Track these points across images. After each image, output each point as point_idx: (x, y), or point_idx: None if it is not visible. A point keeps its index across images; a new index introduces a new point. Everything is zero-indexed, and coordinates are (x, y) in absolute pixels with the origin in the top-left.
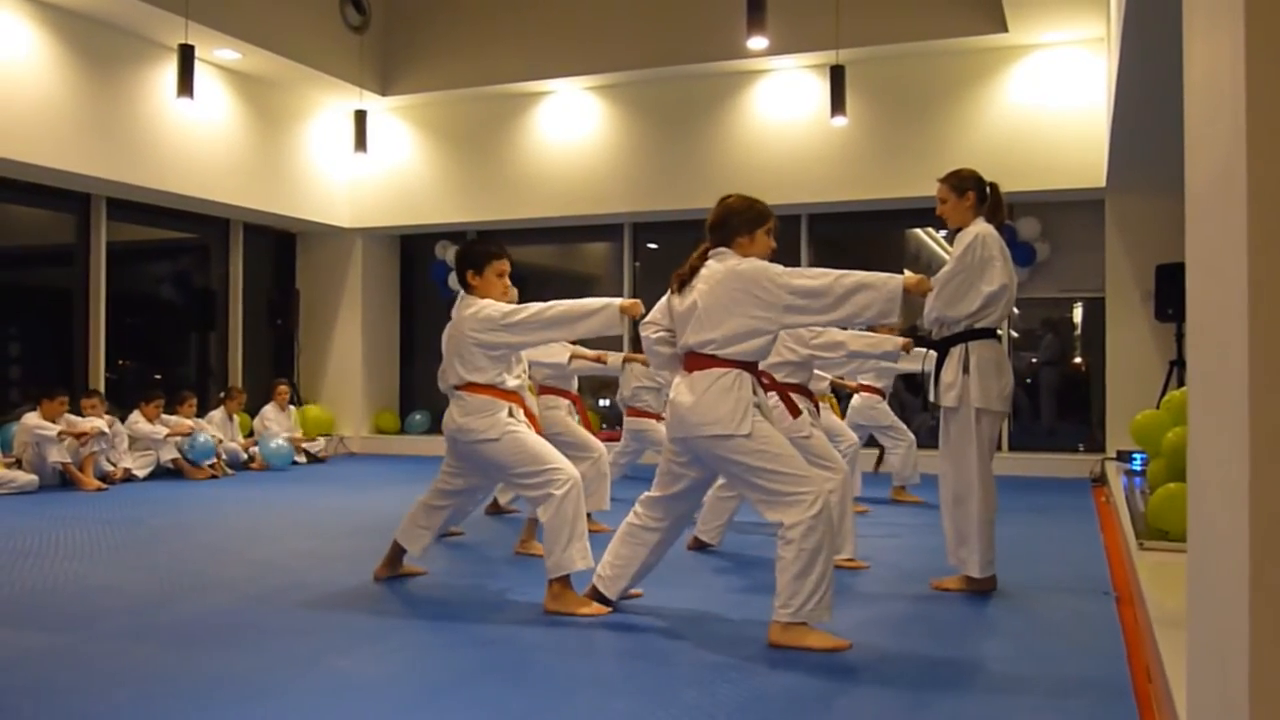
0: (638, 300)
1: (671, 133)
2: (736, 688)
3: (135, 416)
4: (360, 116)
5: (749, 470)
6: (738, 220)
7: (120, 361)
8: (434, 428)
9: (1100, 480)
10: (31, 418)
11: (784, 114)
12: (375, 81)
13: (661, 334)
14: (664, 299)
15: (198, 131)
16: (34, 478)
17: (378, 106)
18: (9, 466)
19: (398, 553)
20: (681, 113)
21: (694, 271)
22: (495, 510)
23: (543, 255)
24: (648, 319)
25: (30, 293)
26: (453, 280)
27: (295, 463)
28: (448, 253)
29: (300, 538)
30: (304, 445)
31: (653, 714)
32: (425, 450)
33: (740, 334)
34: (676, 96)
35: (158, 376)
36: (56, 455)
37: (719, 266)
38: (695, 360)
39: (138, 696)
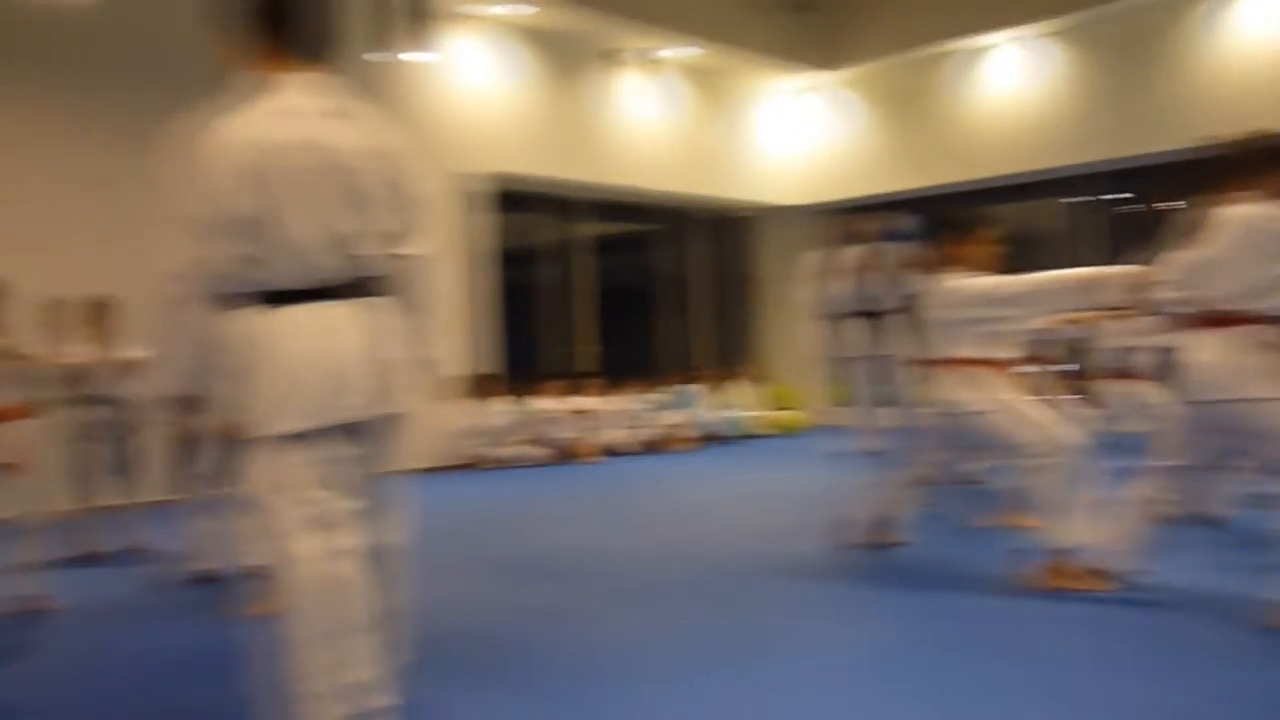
0: (1151, 267)
1: (1125, 72)
2: (1257, 675)
3: (620, 396)
4: (802, 96)
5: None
6: (1261, 158)
7: (603, 347)
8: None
9: None
10: (537, 400)
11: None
12: (818, 58)
13: (1175, 292)
14: (1168, 253)
15: (656, 128)
16: (544, 452)
17: (820, 83)
18: (521, 444)
19: (874, 522)
20: (1137, 50)
21: (1204, 219)
22: (957, 481)
23: (998, 216)
24: (1158, 278)
25: (524, 289)
26: (908, 250)
27: (760, 436)
28: (900, 222)
29: (772, 509)
30: (768, 419)
31: (1168, 699)
32: (890, 424)
33: (1261, 287)
34: (1127, 33)
35: (646, 356)
36: (561, 432)
37: (1243, 211)
38: (1215, 318)
39: (634, 650)
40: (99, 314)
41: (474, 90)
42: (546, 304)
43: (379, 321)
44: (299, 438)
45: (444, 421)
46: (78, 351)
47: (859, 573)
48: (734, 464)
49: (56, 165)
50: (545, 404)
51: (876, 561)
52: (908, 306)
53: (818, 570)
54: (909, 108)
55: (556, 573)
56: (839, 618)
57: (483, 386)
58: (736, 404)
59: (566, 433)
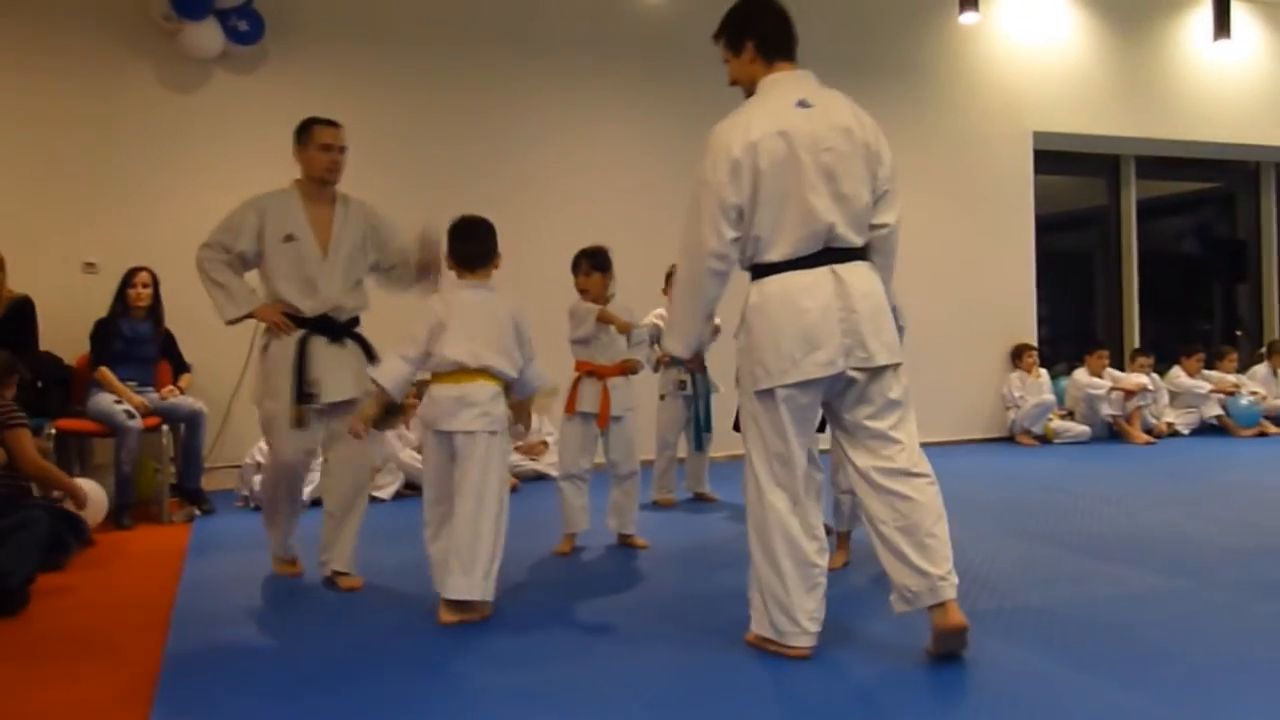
0: None
1: None
2: None
3: (1176, 371)
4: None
5: None
6: None
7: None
8: None
9: None
10: (1081, 374)
11: None
12: None
13: None
14: None
15: (1227, 75)
16: (1086, 429)
17: None
18: (1062, 418)
19: None
20: None
21: None
22: None
23: None
24: None
25: (1060, 256)
26: None
27: None
28: None
29: None
30: None
31: None
32: None
33: None
34: None
35: (1206, 327)
36: (1106, 409)
37: None
38: None
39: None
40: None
41: (1024, 47)
42: (1087, 270)
43: (857, 286)
44: (784, 391)
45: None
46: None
47: None
48: None
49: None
50: (1088, 379)
51: None
52: None
53: None
54: None
55: (1127, 555)
56: None
57: (1020, 358)
58: None
59: (1111, 410)
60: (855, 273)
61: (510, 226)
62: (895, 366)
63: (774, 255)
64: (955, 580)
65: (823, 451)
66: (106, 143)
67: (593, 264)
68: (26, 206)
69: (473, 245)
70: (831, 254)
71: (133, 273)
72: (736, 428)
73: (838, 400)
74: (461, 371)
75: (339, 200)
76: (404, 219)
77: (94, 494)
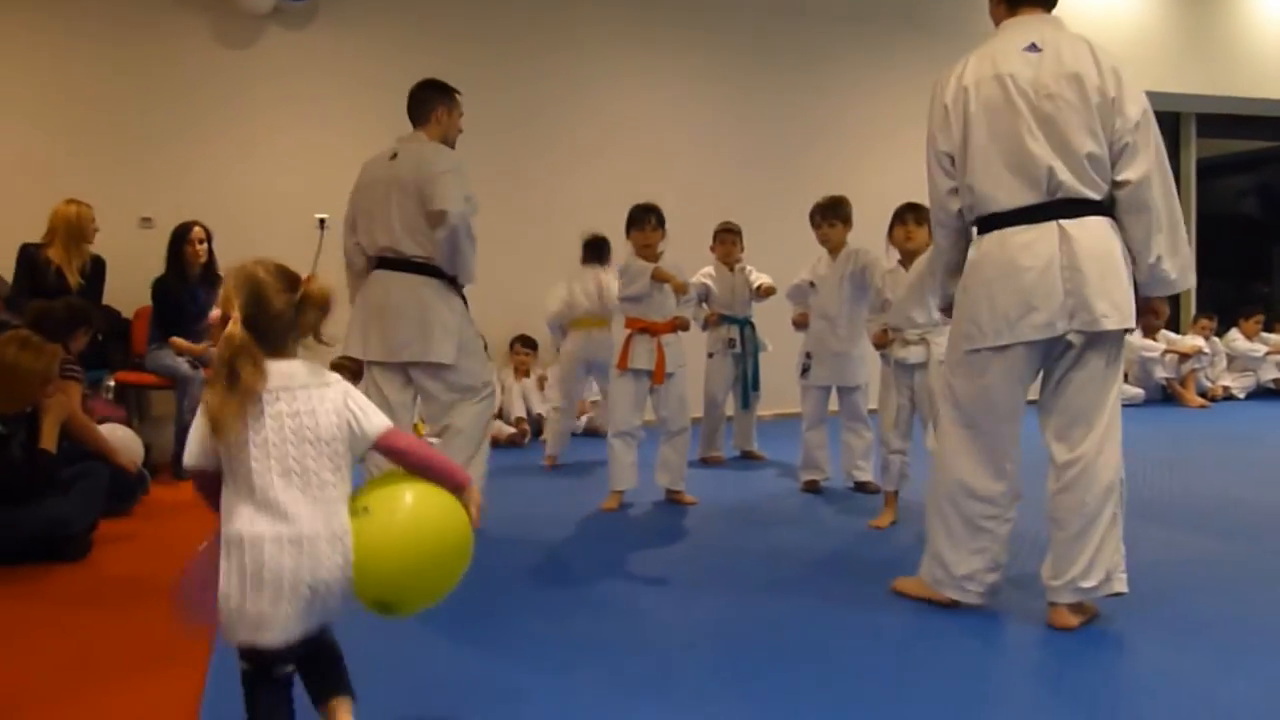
0: None
1: None
2: None
3: (1233, 334)
4: None
5: None
6: None
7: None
8: None
9: None
10: (1135, 337)
11: None
12: None
13: None
14: None
15: None
16: (1140, 391)
17: None
18: None
19: None
20: None
21: None
22: None
23: None
24: None
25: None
26: None
27: None
28: None
29: None
30: None
31: None
32: None
33: None
34: None
35: (1265, 289)
36: (1160, 372)
37: None
38: None
39: None
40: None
41: (1087, 4)
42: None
43: (1086, 244)
44: (993, 352)
45: None
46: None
47: None
48: None
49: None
50: (1142, 341)
51: None
52: None
53: None
54: None
55: (1178, 519)
56: None
57: None
58: None
59: (1165, 373)
60: (1086, 229)
61: (551, 175)
62: (1122, 333)
63: (995, 206)
64: (1086, 585)
65: (871, 411)
66: (160, 97)
67: (659, 220)
68: (81, 161)
69: None
70: (1060, 207)
71: (186, 228)
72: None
73: (1055, 365)
74: None
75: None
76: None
77: (126, 444)
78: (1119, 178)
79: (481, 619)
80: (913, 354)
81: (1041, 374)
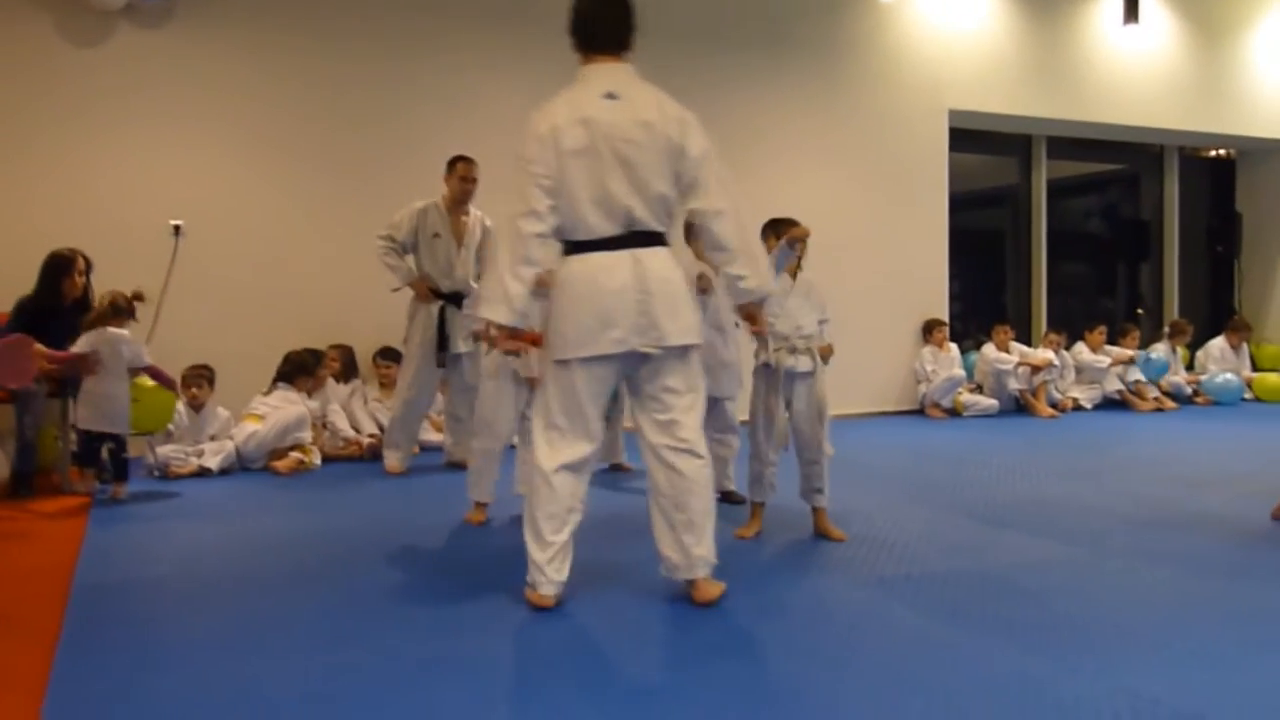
0: None
1: None
2: None
3: (1080, 347)
4: None
5: None
6: None
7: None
8: None
9: None
10: (989, 349)
11: None
12: None
13: None
14: None
15: (1135, 59)
16: (994, 402)
17: None
18: (971, 392)
19: None
20: None
21: None
22: None
23: None
24: None
25: (972, 234)
26: None
27: (1244, 401)
28: None
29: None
30: (1253, 382)
31: None
32: None
33: None
34: None
35: (1110, 305)
36: (1013, 384)
37: None
38: None
39: (1130, 609)
40: None
41: (941, 27)
42: (998, 248)
43: (655, 270)
44: (579, 363)
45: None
46: None
47: None
48: (1205, 427)
49: None
50: (996, 354)
51: None
52: None
53: None
54: None
55: (1028, 523)
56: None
57: (931, 333)
58: (1213, 364)
59: (1018, 384)
60: (655, 258)
61: (405, 178)
62: (692, 348)
63: (580, 235)
64: (713, 560)
65: (742, 422)
66: None
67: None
68: None
69: None
70: (634, 238)
71: (69, 261)
72: None
73: (635, 375)
74: None
75: (469, 212)
76: (320, 164)
77: None
78: (692, 207)
79: (344, 632)
80: (801, 363)
81: (630, 384)
